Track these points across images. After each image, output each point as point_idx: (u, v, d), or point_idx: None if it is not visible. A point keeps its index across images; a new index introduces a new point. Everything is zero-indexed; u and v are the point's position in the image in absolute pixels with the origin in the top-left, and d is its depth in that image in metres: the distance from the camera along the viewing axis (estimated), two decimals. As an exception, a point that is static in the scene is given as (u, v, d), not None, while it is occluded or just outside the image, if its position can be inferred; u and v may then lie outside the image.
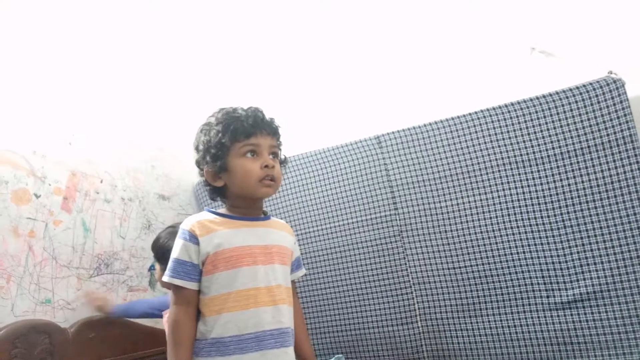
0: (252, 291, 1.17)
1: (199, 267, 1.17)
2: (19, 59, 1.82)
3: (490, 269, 1.74)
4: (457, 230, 1.79)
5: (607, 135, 1.60)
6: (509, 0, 2.01)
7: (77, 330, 1.71)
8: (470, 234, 1.77)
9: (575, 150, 1.64)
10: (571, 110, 1.64)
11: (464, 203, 1.78)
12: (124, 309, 1.80)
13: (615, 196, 1.59)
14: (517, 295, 1.70)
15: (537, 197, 1.69)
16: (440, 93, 2.09)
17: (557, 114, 1.66)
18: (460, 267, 1.78)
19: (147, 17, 2.37)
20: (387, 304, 1.87)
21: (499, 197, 1.74)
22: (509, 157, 1.73)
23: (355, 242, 1.93)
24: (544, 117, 1.68)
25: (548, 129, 1.67)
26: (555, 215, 1.66)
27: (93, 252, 1.90)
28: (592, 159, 1.62)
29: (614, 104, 1.59)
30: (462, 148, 1.79)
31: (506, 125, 1.73)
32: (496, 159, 1.74)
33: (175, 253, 1.18)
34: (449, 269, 1.79)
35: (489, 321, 1.73)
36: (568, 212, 1.64)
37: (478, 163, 1.77)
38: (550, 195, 1.67)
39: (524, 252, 1.70)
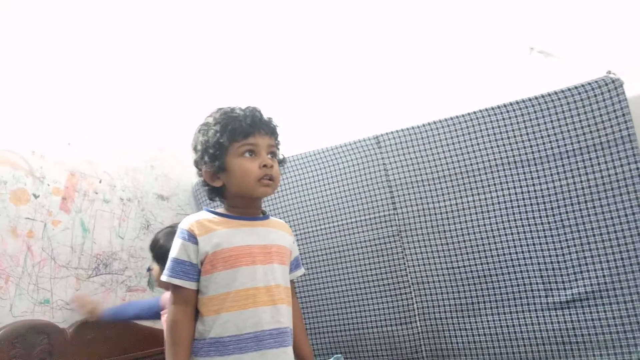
0: (251, 291, 1.17)
1: (198, 266, 1.17)
2: (19, 59, 1.82)
3: (489, 269, 1.74)
4: (456, 230, 1.79)
5: (606, 135, 1.60)
6: (508, 0, 2.01)
7: (75, 331, 1.71)
8: (469, 234, 1.77)
9: (573, 150, 1.64)
10: (570, 110, 1.65)
11: (462, 203, 1.79)
12: (114, 313, 1.77)
13: (613, 196, 1.59)
14: (515, 295, 1.70)
15: (536, 197, 1.69)
16: (440, 93, 2.09)
17: (556, 113, 1.66)
18: (459, 267, 1.78)
19: (147, 18, 2.37)
20: (386, 304, 1.87)
21: (497, 197, 1.74)
22: (507, 157, 1.73)
23: (354, 242, 1.93)
24: (543, 117, 1.68)
25: (547, 129, 1.68)
26: (553, 215, 1.66)
27: (92, 252, 1.90)
28: (590, 159, 1.62)
29: (613, 104, 1.59)
30: (461, 148, 1.79)
31: (505, 125, 1.73)
32: (495, 159, 1.75)
33: (173, 252, 1.18)
34: (447, 268, 1.79)
35: (487, 321, 1.73)
36: (567, 212, 1.64)
37: (477, 163, 1.77)
38: (549, 195, 1.67)
39: (522, 252, 1.70)
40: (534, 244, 1.69)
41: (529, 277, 1.69)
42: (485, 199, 1.76)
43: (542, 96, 1.68)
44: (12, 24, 1.83)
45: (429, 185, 1.84)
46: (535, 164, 1.69)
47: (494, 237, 1.74)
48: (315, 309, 1.99)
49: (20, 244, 1.68)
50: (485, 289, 1.74)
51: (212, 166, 1.21)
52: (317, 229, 2.00)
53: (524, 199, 1.70)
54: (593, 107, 1.62)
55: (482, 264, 1.75)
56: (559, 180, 1.66)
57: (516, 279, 1.70)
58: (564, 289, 1.64)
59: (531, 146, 1.70)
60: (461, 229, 1.78)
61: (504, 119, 1.73)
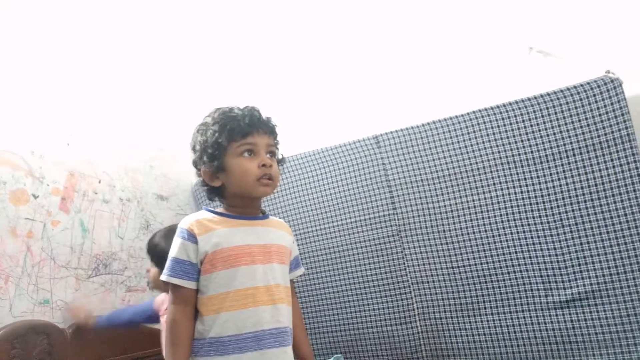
0: (250, 290, 1.17)
1: (197, 266, 1.17)
2: (18, 59, 1.82)
3: (488, 269, 1.74)
4: (455, 229, 1.79)
5: (605, 134, 1.60)
6: (507, 0, 2.01)
7: (75, 331, 1.71)
8: (468, 234, 1.77)
9: (573, 149, 1.64)
10: (569, 109, 1.65)
11: (462, 203, 1.79)
12: (108, 319, 1.74)
13: (613, 195, 1.59)
14: (515, 295, 1.70)
15: (535, 197, 1.69)
16: (439, 93, 2.09)
17: (555, 113, 1.67)
18: (458, 267, 1.78)
19: (147, 17, 2.37)
20: (386, 304, 1.87)
21: (497, 196, 1.74)
22: (507, 157, 1.73)
23: (353, 242, 1.94)
24: (542, 116, 1.68)
25: (546, 129, 1.68)
26: (553, 215, 1.66)
27: (91, 252, 1.90)
28: (589, 158, 1.62)
29: (612, 103, 1.59)
30: (460, 148, 1.79)
31: (504, 125, 1.73)
32: (494, 159, 1.75)
33: (173, 252, 1.18)
34: (447, 268, 1.79)
35: (487, 320, 1.73)
36: (566, 212, 1.64)
37: (476, 163, 1.77)
38: (549, 195, 1.67)
39: (522, 252, 1.70)
40: (533, 244, 1.69)
41: (529, 277, 1.69)
42: (485, 198, 1.76)
43: (542, 96, 1.68)
44: (12, 24, 1.83)
45: (428, 185, 1.84)
46: (535, 164, 1.69)
47: (493, 236, 1.74)
48: (315, 309, 1.99)
49: (20, 244, 1.68)
50: (485, 289, 1.74)
51: (211, 166, 1.21)
52: (316, 229, 2.00)
53: (523, 198, 1.71)
54: (592, 107, 1.62)
55: (481, 263, 1.75)
56: (558, 179, 1.66)
57: (516, 278, 1.70)
58: (564, 288, 1.64)
59: (530, 146, 1.70)
60: (461, 228, 1.78)
61: (503, 119, 1.73)
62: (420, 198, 1.85)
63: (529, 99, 1.70)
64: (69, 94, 1.96)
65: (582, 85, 1.63)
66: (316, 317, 1.98)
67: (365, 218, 1.92)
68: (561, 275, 1.64)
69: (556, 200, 1.66)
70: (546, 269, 1.66)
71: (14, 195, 1.69)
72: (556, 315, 1.64)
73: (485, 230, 1.75)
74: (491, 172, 1.75)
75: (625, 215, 1.57)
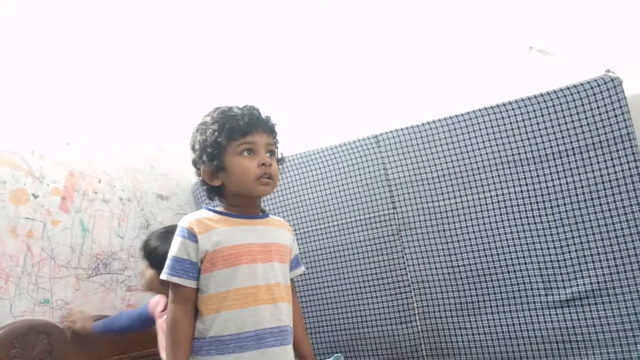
0: (251, 289, 1.17)
1: (198, 265, 1.17)
2: (18, 59, 1.82)
3: (488, 268, 1.74)
4: (455, 229, 1.79)
5: (605, 133, 1.60)
6: (507, -1, 2.02)
7: (75, 331, 1.70)
8: (468, 233, 1.77)
9: (573, 148, 1.64)
10: (569, 108, 1.65)
11: (462, 202, 1.79)
12: (104, 326, 1.73)
13: (613, 194, 1.59)
14: (515, 294, 1.70)
15: (536, 196, 1.69)
16: (439, 92, 2.09)
17: (555, 112, 1.66)
18: (458, 266, 1.78)
19: (147, 17, 2.37)
20: (386, 303, 1.87)
21: (497, 196, 1.74)
22: (507, 156, 1.73)
23: (353, 242, 1.94)
24: (542, 115, 1.68)
25: (546, 128, 1.68)
26: (553, 214, 1.66)
27: (91, 252, 1.90)
28: (589, 158, 1.62)
29: (612, 103, 1.59)
30: (460, 147, 1.79)
31: (504, 124, 1.73)
32: (494, 158, 1.75)
33: (173, 251, 1.18)
34: (447, 267, 1.79)
35: (487, 319, 1.73)
36: (566, 211, 1.64)
37: (476, 162, 1.77)
38: (549, 194, 1.67)
39: (522, 251, 1.70)
40: (533, 243, 1.69)
41: (529, 276, 1.69)
42: (485, 198, 1.76)
43: (541, 95, 1.68)
44: (12, 24, 1.83)
45: (428, 184, 1.84)
46: (535, 163, 1.69)
47: (493, 236, 1.74)
48: (315, 309, 1.99)
49: (20, 244, 1.68)
50: (485, 288, 1.74)
51: (211, 165, 1.21)
52: (316, 229, 2.00)
53: (523, 198, 1.70)
54: (592, 106, 1.62)
55: (481, 262, 1.75)
56: (559, 179, 1.66)
57: (516, 277, 1.70)
58: (564, 287, 1.64)
59: (530, 145, 1.70)
60: (461, 228, 1.78)
61: (503, 118, 1.73)
62: (420, 198, 1.85)
63: (529, 98, 1.70)
64: (69, 94, 1.96)
65: (582, 84, 1.63)
66: (316, 317, 1.98)
67: (365, 218, 1.92)
68: (561, 274, 1.64)
69: (556, 199, 1.66)
70: (546, 268, 1.66)
71: (14, 194, 1.69)
72: (556, 314, 1.64)
73: (485, 230, 1.75)
74: (491, 171, 1.75)
75: (625, 214, 1.57)
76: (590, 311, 1.59)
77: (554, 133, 1.66)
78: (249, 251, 1.18)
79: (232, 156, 1.20)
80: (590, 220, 1.62)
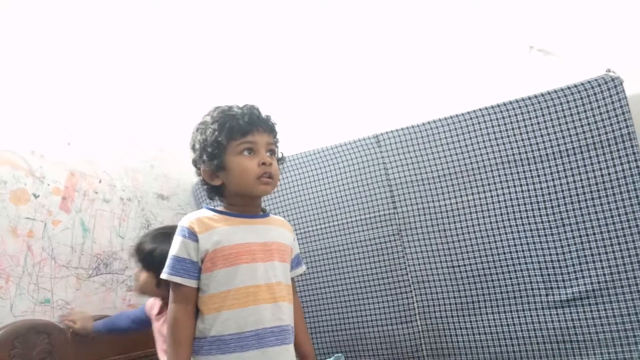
0: (251, 289, 1.16)
1: (198, 264, 1.17)
2: (18, 59, 1.82)
3: (489, 268, 1.74)
4: (456, 229, 1.79)
5: (606, 133, 1.60)
6: (507, -1, 2.02)
7: (76, 330, 1.71)
8: (469, 233, 1.77)
9: (573, 148, 1.64)
10: (569, 108, 1.65)
11: (462, 202, 1.79)
12: (105, 326, 1.72)
13: (613, 194, 1.59)
14: (516, 294, 1.70)
15: (536, 196, 1.69)
16: (439, 92, 2.09)
17: (556, 112, 1.66)
18: (459, 266, 1.78)
19: (147, 17, 2.37)
20: (387, 303, 1.87)
21: (497, 195, 1.74)
22: (507, 156, 1.73)
23: (354, 241, 1.94)
24: (542, 115, 1.68)
25: (546, 127, 1.68)
26: (554, 214, 1.66)
27: (92, 252, 1.90)
28: (590, 157, 1.62)
29: (612, 102, 1.59)
30: (460, 147, 1.79)
31: (505, 124, 1.73)
32: (495, 158, 1.75)
33: (174, 250, 1.18)
34: (448, 267, 1.79)
35: (488, 319, 1.73)
36: (567, 210, 1.64)
37: (477, 162, 1.77)
38: (549, 194, 1.67)
39: (522, 251, 1.70)
40: (534, 243, 1.68)
41: (529, 276, 1.69)
42: (485, 197, 1.76)
43: (542, 95, 1.68)
44: (12, 24, 1.83)
45: (429, 184, 1.84)
46: (535, 163, 1.69)
47: (494, 235, 1.74)
48: (315, 309, 1.99)
49: (21, 244, 1.68)
50: (486, 288, 1.74)
51: (211, 165, 1.21)
52: (317, 228, 2.00)
53: (523, 197, 1.70)
54: (593, 106, 1.62)
55: (482, 262, 1.75)
56: (559, 178, 1.66)
57: (516, 277, 1.70)
58: (564, 287, 1.63)
59: (531, 145, 1.70)
60: (461, 227, 1.78)
61: (503, 118, 1.73)
62: (421, 197, 1.85)
63: (530, 98, 1.70)
64: (69, 94, 1.96)
65: (582, 84, 1.63)
66: (316, 317, 1.98)
67: (366, 217, 1.92)
68: (562, 274, 1.64)
69: (557, 199, 1.66)
70: (547, 267, 1.66)
71: (15, 194, 1.69)
72: (557, 314, 1.64)
73: (486, 230, 1.75)
74: (492, 171, 1.75)
75: (626, 214, 1.57)
76: (591, 311, 1.59)
77: (555, 133, 1.66)
78: (249, 250, 1.18)
79: (233, 155, 1.20)
80: (590, 220, 1.61)
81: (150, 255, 1.51)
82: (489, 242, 1.74)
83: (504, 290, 1.72)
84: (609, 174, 1.60)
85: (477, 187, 1.77)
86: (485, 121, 1.76)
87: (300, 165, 2.04)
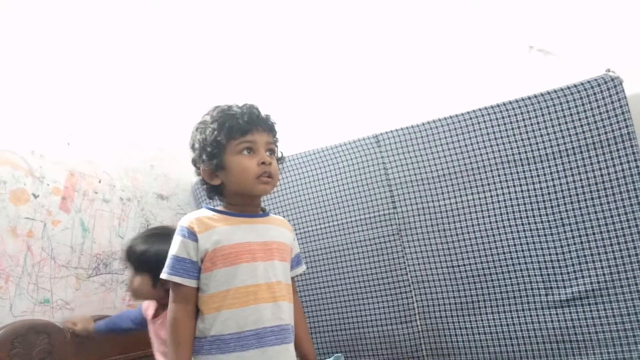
0: (251, 288, 1.16)
1: (198, 264, 1.16)
2: (18, 59, 1.82)
3: (489, 267, 1.74)
4: (455, 228, 1.79)
5: (605, 133, 1.60)
6: (507, -2, 2.02)
7: (77, 332, 1.70)
8: (469, 233, 1.77)
9: (573, 148, 1.64)
10: (569, 108, 1.65)
11: (462, 202, 1.79)
12: (106, 326, 1.71)
13: (613, 194, 1.59)
14: (516, 294, 1.70)
15: (536, 196, 1.69)
16: (439, 92, 2.09)
17: (555, 112, 1.66)
18: (459, 266, 1.78)
19: (147, 17, 2.37)
20: (386, 303, 1.87)
21: (497, 195, 1.74)
22: (507, 156, 1.73)
23: (354, 241, 1.93)
24: (542, 115, 1.68)
25: (546, 127, 1.68)
26: (553, 214, 1.66)
27: (92, 252, 1.90)
28: (590, 157, 1.62)
29: (612, 102, 1.59)
30: (460, 147, 1.79)
31: (504, 124, 1.73)
32: (494, 158, 1.75)
33: (173, 250, 1.18)
34: (447, 267, 1.79)
35: (487, 319, 1.73)
36: (567, 210, 1.64)
37: (476, 162, 1.77)
38: (549, 194, 1.67)
39: (522, 250, 1.70)
40: (533, 243, 1.68)
41: (529, 276, 1.69)
42: (485, 197, 1.76)
43: (542, 94, 1.68)
44: (12, 24, 1.83)
45: (428, 184, 1.84)
46: (535, 163, 1.69)
47: (494, 235, 1.74)
48: (315, 308, 1.99)
49: (20, 244, 1.68)
50: (486, 288, 1.74)
51: (210, 164, 1.21)
52: (316, 228, 2.00)
53: (523, 197, 1.70)
54: (592, 106, 1.62)
55: (482, 262, 1.75)
56: (559, 178, 1.66)
57: (516, 277, 1.70)
58: (564, 287, 1.63)
59: (530, 145, 1.70)
60: (461, 227, 1.78)
61: (503, 118, 1.73)
62: (421, 197, 1.85)
63: (529, 98, 1.70)
64: (69, 94, 1.96)
65: (582, 84, 1.63)
66: (316, 317, 1.98)
67: (366, 217, 1.92)
68: (561, 274, 1.64)
69: (556, 199, 1.66)
70: (546, 267, 1.66)
71: (14, 194, 1.69)
72: (556, 314, 1.64)
73: (486, 229, 1.75)
74: (491, 171, 1.75)
75: (626, 214, 1.57)
76: (591, 311, 1.59)
77: (554, 133, 1.66)
78: (249, 250, 1.18)
79: (232, 155, 1.20)
80: (590, 220, 1.61)
81: (143, 256, 1.49)
82: (489, 242, 1.74)
83: (503, 290, 1.72)
84: (608, 174, 1.60)
85: (476, 187, 1.77)
86: (485, 121, 1.76)
87: (300, 165, 2.04)
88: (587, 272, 1.61)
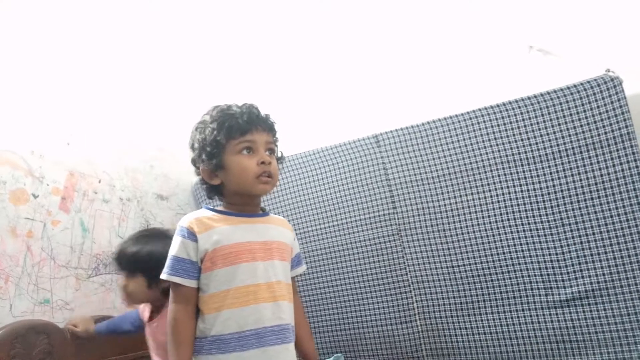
0: (251, 287, 1.16)
1: (198, 264, 1.17)
2: (18, 59, 1.82)
3: (488, 268, 1.74)
4: (455, 228, 1.79)
5: (605, 133, 1.60)
6: (507, -2, 2.02)
7: (78, 334, 1.70)
8: (468, 233, 1.77)
9: (573, 148, 1.64)
10: (569, 108, 1.65)
11: (462, 202, 1.79)
12: (107, 328, 1.70)
13: (613, 194, 1.59)
14: (515, 294, 1.70)
15: (535, 196, 1.69)
16: (439, 91, 2.09)
17: (555, 112, 1.67)
18: (458, 266, 1.78)
19: (147, 17, 2.37)
20: (386, 303, 1.87)
21: (497, 195, 1.74)
22: (507, 156, 1.73)
23: (353, 241, 1.93)
24: (542, 115, 1.68)
25: (546, 127, 1.68)
26: (553, 214, 1.66)
27: (91, 252, 1.90)
28: (589, 157, 1.62)
29: (612, 102, 1.59)
30: (460, 147, 1.79)
31: (504, 124, 1.73)
32: (494, 158, 1.75)
33: (173, 250, 1.18)
34: (447, 267, 1.79)
35: (487, 319, 1.73)
36: (566, 210, 1.64)
37: (476, 162, 1.77)
38: (549, 194, 1.67)
39: (522, 251, 1.70)
40: (533, 243, 1.68)
41: (529, 276, 1.69)
42: (485, 197, 1.76)
43: (541, 94, 1.68)
44: (12, 24, 1.83)
45: (428, 184, 1.84)
46: (535, 163, 1.69)
47: (493, 235, 1.74)
48: (315, 308, 1.98)
49: (20, 244, 1.68)
50: (485, 288, 1.74)
51: (210, 164, 1.21)
52: (316, 228, 2.00)
53: (523, 197, 1.70)
54: (592, 106, 1.62)
55: (482, 262, 1.75)
56: (559, 178, 1.66)
57: (516, 277, 1.70)
58: (564, 287, 1.63)
59: (530, 145, 1.70)
60: (461, 227, 1.78)
61: (503, 118, 1.73)
62: (421, 197, 1.85)
63: (529, 98, 1.70)
64: (69, 94, 1.96)
65: (582, 84, 1.63)
66: (316, 317, 1.98)
67: (366, 217, 1.92)
68: (561, 274, 1.64)
69: (556, 199, 1.66)
70: (546, 267, 1.66)
71: (14, 194, 1.69)
72: (556, 314, 1.64)
73: (485, 230, 1.75)
74: (491, 171, 1.75)
75: (625, 214, 1.57)
76: (591, 311, 1.59)
77: (554, 133, 1.66)
78: (249, 249, 1.18)
79: (232, 155, 1.20)
80: (590, 220, 1.61)
81: (135, 257, 1.46)
82: (489, 242, 1.74)
83: (503, 290, 1.72)
84: (608, 174, 1.60)
85: (476, 187, 1.77)
86: (485, 121, 1.76)
87: (300, 165, 2.04)
88: (587, 272, 1.61)
